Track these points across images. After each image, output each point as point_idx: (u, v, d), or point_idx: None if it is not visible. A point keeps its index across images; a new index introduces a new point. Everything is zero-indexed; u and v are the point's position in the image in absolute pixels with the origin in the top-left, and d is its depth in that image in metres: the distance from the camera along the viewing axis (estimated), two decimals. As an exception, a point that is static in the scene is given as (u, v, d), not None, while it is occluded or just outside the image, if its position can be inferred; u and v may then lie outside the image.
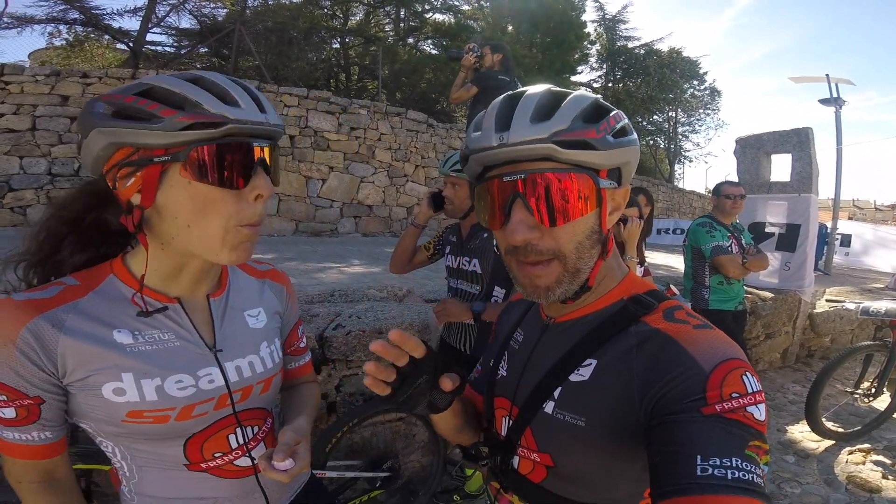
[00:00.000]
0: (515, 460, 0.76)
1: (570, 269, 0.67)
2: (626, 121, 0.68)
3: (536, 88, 0.69)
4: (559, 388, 0.70)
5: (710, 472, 0.50)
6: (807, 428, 3.33)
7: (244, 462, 0.85)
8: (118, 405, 0.72)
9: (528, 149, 0.63)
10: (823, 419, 3.30)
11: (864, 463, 3.05)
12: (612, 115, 0.66)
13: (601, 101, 0.68)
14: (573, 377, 0.69)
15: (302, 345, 1.03)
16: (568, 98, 0.66)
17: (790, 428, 3.54)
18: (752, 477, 0.50)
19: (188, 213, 0.70)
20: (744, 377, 0.57)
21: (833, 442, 3.32)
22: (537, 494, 0.73)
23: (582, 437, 0.66)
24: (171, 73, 0.72)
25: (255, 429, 0.87)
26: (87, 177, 0.81)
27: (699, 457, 0.51)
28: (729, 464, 0.50)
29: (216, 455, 0.81)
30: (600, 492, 0.69)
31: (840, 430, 3.40)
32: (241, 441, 0.84)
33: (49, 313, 0.69)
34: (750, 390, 0.56)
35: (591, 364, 0.68)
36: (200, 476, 0.81)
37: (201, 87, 0.68)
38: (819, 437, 3.32)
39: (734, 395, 0.55)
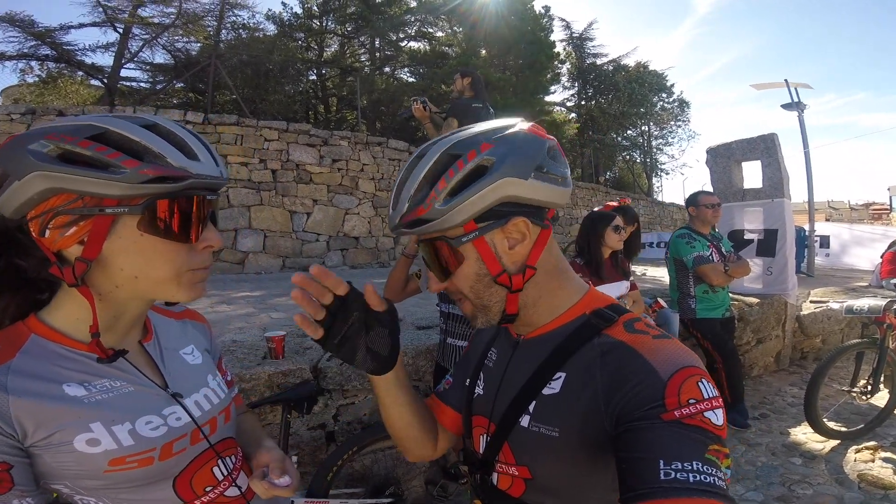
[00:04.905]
0: (495, 477, 0.78)
1: (477, 305, 0.75)
2: (476, 160, 0.67)
3: (412, 160, 0.73)
4: (533, 402, 0.72)
5: (672, 475, 0.52)
6: (810, 429, 3.33)
7: (233, 492, 0.84)
8: (96, 456, 0.68)
9: (397, 233, 0.74)
10: (825, 419, 3.30)
11: (873, 460, 3.02)
12: (448, 169, 0.67)
13: (450, 150, 0.69)
14: (546, 391, 0.71)
15: (229, 378, 1.01)
16: (414, 170, 0.70)
17: (793, 430, 3.54)
18: (714, 480, 0.52)
19: (136, 264, 0.68)
20: (699, 384, 0.60)
21: (838, 441, 3.31)
22: None
23: (556, 448, 0.69)
24: (120, 115, 0.69)
25: (233, 458, 0.87)
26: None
27: (661, 461, 0.53)
28: (690, 467, 0.53)
29: (207, 489, 0.80)
30: (577, 502, 0.71)
31: (843, 429, 3.40)
32: (226, 472, 0.84)
33: None
34: (706, 396, 0.59)
35: (560, 377, 0.71)
36: None
37: (160, 137, 0.67)
38: (823, 438, 3.32)
39: (691, 401, 0.58)
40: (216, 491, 0.81)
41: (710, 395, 0.59)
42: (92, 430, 0.68)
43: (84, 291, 0.68)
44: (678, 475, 0.52)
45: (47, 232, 0.66)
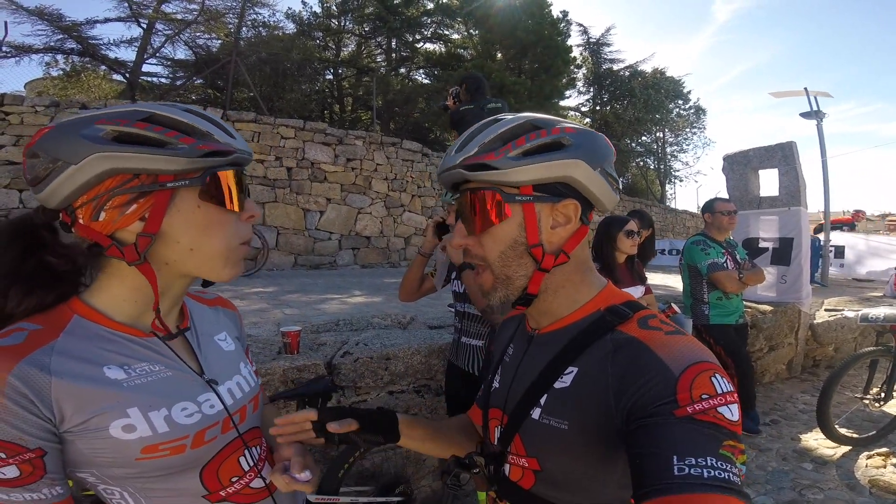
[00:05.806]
0: (507, 468, 0.79)
1: (499, 276, 0.74)
2: (558, 136, 0.70)
3: (490, 119, 0.76)
4: (545, 395, 0.73)
5: (686, 471, 0.51)
6: (821, 436, 3.34)
7: (258, 483, 0.84)
8: (130, 443, 0.68)
9: (450, 174, 0.75)
10: (837, 426, 3.31)
11: (884, 466, 3.03)
12: (530, 133, 0.70)
13: (533, 121, 0.73)
14: (557, 384, 0.72)
15: (254, 368, 1.01)
16: (492, 125, 0.73)
17: (804, 436, 3.54)
18: (729, 475, 0.52)
19: (193, 236, 0.71)
20: (713, 378, 0.59)
21: (849, 448, 3.31)
22: (528, 501, 0.76)
23: (565, 441, 0.69)
24: (158, 102, 0.73)
25: (259, 449, 0.87)
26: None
27: (675, 457, 0.53)
28: (704, 463, 0.52)
29: (233, 480, 0.80)
30: (586, 497, 0.71)
31: (855, 435, 3.40)
32: (252, 462, 0.84)
33: (30, 357, 0.63)
34: (719, 391, 0.58)
35: (572, 372, 0.71)
36: None
37: (202, 119, 0.72)
38: (835, 444, 3.32)
39: (704, 396, 0.57)
40: (242, 482, 0.81)
41: (724, 390, 0.58)
42: (129, 415, 0.68)
43: (145, 268, 0.70)
44: (692, 471, 0.51)
45: (102, 214, 0.68)
